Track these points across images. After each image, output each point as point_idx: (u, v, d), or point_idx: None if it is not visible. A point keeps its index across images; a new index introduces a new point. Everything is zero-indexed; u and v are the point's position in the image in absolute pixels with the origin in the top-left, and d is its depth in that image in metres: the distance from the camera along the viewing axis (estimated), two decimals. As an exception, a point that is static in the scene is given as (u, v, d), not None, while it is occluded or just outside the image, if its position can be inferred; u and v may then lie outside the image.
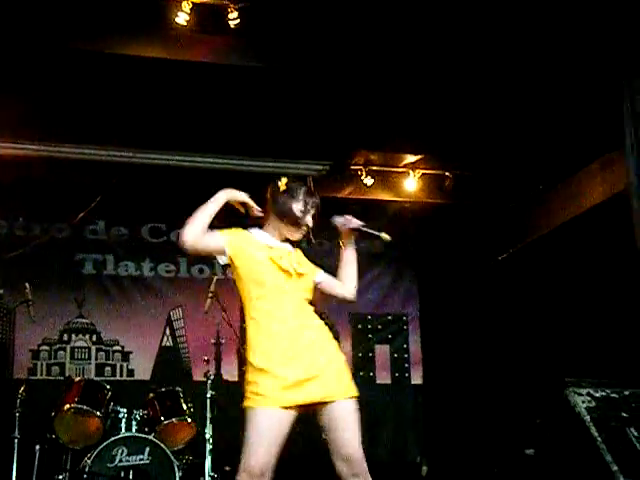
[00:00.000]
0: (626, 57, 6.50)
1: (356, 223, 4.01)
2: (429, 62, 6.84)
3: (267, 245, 3.94)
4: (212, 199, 4.03)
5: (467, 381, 9.38)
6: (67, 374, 8.58)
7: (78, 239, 9.25)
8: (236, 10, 6.29)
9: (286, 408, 3.65)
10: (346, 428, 3.69)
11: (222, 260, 3.95)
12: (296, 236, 3.98)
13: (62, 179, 8.57)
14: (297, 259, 3.95)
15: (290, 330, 3.77)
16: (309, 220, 3.95)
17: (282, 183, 4.09)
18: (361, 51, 6.73)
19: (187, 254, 4.04)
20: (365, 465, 3.69)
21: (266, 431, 3.64)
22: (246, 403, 3.70)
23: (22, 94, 7.06)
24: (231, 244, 3.93)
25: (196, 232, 3.93)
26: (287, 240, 4.00)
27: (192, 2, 6.24)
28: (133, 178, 8.63)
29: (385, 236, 3.96)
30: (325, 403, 3.70)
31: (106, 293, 9.25)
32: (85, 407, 6.78)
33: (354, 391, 3.77)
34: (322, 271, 4.10)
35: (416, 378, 10.03)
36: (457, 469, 8.72)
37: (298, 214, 3.93)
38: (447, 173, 9.10)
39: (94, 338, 9.06)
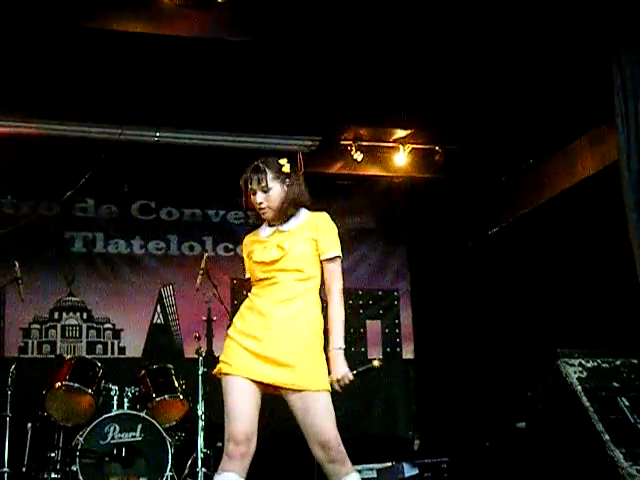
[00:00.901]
0: (615, 30, 6.47)
1: (349, 376, 3.86)
2: (418, 36, 6.79)
3: (257, 239, 4.12)
4: None
5: (458, 355, 9.41)
6: (58, 352, 8.58)
7: (67, 217, 9.22)
8: (223, -17, 6.24)
9: (252, 381, 3.75)
10: (317, 415, 3.71)
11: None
12: (264, 217, 4.09)
13: (50, 156, 8.51)
14: (283, 239, 3.97)
15: (266, 310, 3.89)
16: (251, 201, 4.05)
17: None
18: (350, 25, 6.68)
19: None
20: (342, 449, 3.71)
21: (236, 397, 3.73)
22: (216, 370, 3.87)
23: (8, 71, 7.00)
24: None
25: None
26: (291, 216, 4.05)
27: (179, -25, 6.19)
28: (122, 155, 8.58)
29: (375, 363, 3.99)
30: (295, 391, 3.73)
31: (96, 271, 9.23)
32: (76, 385, 6.80)
33: (325, 385, 3.78)
34: (328, 253, 3.99)
35: (407, 353, 10.05)
36: (449, 443, 8.75)
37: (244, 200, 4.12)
38: (437, 147, 9.07)
39: (85, 316, 9.04)
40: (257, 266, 3.99)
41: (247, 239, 4.20)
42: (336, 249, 3.99)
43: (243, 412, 3.72)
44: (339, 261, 4.00)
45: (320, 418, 3.70)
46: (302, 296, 3.91)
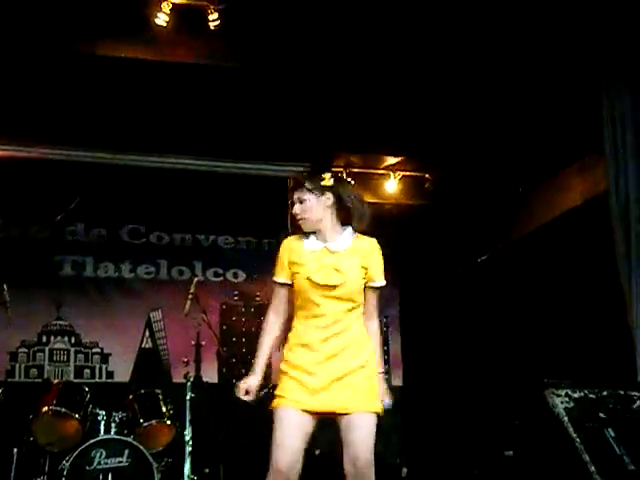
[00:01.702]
0: (605, 62, 6.53)
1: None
2: (409, 65, 6.86)
3: (304, 249, 4.03)
4: None
5: (447, 383, 9.40)
6: (45, 376, 8.55)
7: (57, 240, 9.20)
8: (216, 11, 6.30)
9: (305, 411, 3.81)
10: (358, 431, 3.78)
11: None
12: (303, 228, 4.06)
13: (41, 180, 8.52)
14: (339, 262, 3.92)
15: (319, 340, 3.87)
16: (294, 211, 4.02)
17: None
18: (342, 53, 6.74)
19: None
20: (372, 470, 3.79)
21: (286, 429, 3.80)
22: (271, 405, 3.92)
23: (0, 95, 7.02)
24: (285, 276, 4.08)
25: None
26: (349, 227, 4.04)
27: (172, 3, 6.24)
28: (113, 179, 8.59)
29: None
30: (344, 414, 3.80)
31: (85, 295, 9.20)
32: (63, 410, 6.76)
33: (375, 407, 3.86)
34: (377, 282, 4.01)
35: (396, 379, 10.03)
36: (437, 470, 8.73)
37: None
38: (427, 175, 9.13)
39: (73, 340, 9.01)
40: (316, 288, 3.89)
41: (292, 243, 4.11)
42: (383, 278, 4.01)
43: (290, 444, 3.78)
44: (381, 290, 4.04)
45: (369, 438, 3.79)
46: (355, 321, 3.93)
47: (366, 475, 3.77)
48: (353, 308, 3.92)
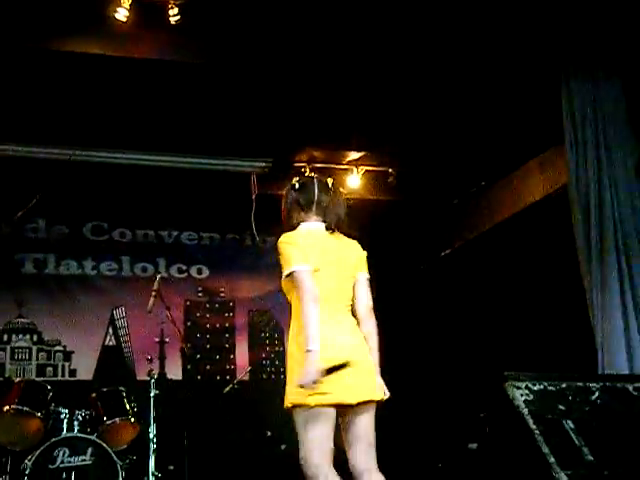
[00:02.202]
0: (564, 55, 6.58)
1: None
2: (371, 60, 6.85)
3: None
4: None
5: (410, 377, 9.43)
6: (7, 375, 8.47)
7: (18, 238, 9.12)
8: (176, 6, 6.25)
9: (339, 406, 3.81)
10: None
11: None
12: None
13: (1, 177, 8.42)
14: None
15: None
16: None
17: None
18: (302, 47, 6.72)
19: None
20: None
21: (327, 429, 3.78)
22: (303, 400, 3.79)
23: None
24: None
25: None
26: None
27: (131, -3, 6.19)
28: (74, 176, 8.52)
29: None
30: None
31: (47, 292, 9.14)
32: (25, 408, 6.70)
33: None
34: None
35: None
36: (401, 464, 8.76)
37: None
38: (390, 170, 9.13)
39: (35, 338, 8.94)
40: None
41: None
42: (287, 267, 3.99)
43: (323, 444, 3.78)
44: (294, 277, 3.98)
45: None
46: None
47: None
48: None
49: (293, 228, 4.15)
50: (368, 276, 4.24)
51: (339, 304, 4.01)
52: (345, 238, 4.18)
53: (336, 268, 4.03)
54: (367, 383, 3.87)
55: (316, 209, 4.14)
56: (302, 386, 3.66)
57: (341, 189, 4.29)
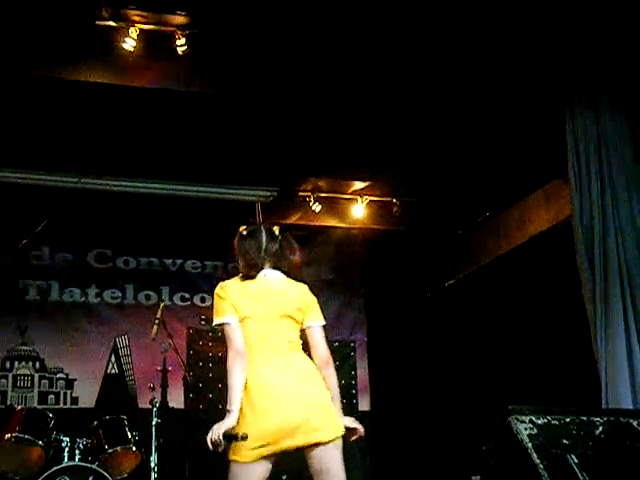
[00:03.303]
0: (568, 87, 6.61)
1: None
2: (376, 92, 6.89)
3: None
4: None
5: (414, 408, 9.40)
6: (9, 402, 8.45)
7: (22, 265, 9.12)
8: (184, 37, 6.29)
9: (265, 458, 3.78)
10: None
11: None
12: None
13: (6, 204, 8.45)
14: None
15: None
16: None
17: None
18: (310, 78, 6.76)
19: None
20: None
21: None
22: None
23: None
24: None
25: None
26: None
27: (139, 28, 6.23)
28: (79, 203, 8.55)
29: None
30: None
31: (50, 320, 9.11)
32: (26, 436, 6.68)
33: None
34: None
35: (363, 405, 10.01)
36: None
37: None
38: (395, 200, 9.15)
39: (37, 366, 8.91)
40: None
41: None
42: (215, 318, 4.12)
43: None
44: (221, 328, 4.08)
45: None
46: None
47: None
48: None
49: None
50: (322, 323, 4.21)
51: (278, 347, 4.00)
52: (294, 283, 4.19)
53: (273, 312, 4.04)
54: (305, 424, 3.82)
55: (266, 255, 4.15)
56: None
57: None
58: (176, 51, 6.35)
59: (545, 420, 3.40)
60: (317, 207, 9.01)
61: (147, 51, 6.40)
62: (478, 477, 7.09)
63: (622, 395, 5.87)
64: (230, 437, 3.75)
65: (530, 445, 3.26)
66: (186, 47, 6.34)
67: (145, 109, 7.03)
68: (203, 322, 9.72)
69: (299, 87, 6.84)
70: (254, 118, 7.25)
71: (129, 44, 6.25)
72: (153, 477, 6.79)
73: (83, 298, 9.32)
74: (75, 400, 8.95)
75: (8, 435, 6.67)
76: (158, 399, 7.32)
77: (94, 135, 7.41)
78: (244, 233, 4.31)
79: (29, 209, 8.48)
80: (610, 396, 5.97)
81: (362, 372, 10.16)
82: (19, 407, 7.17)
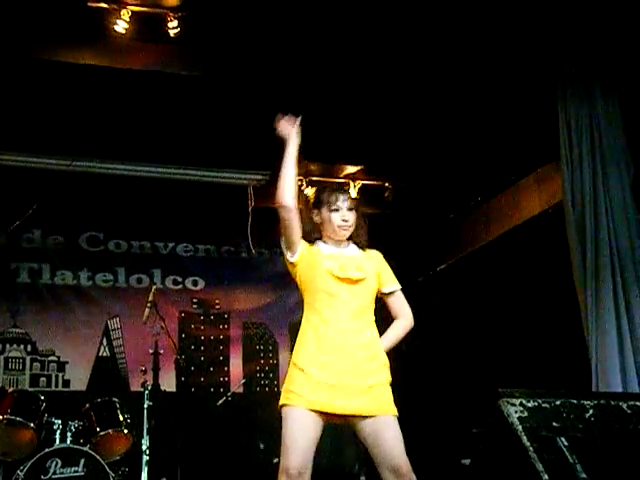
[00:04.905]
0: (560, 71, 6.60)
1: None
2: (369, 76, 6.88)
3: (328, 255, 4.02)
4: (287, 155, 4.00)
5: (404, 392, 9.41)
6: (0, 385, 8.42)
7: (13, 247, 9.09)
8: (176, 19, 6.28)
9: (317, 413, 3.73)
10: (389, 441, 3.76)
11: (290, 257, 4.02)
12: (341, 234, 4.06)
13: (-3, 186, 8.44)
14: (359, 263, 4.00)
15: (339, 336, 3.84)
16: (340, 216, 4.04)
17: (310, 195, 4.28)
18: (303, 61, 6.75)
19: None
20: (413, 475, 3.74)
21: (299, 431, 3.70)
22: (281, 401, 3.80)
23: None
24: (304, 246, 4.03)
25: (290, 191, 4.02)
26: (355, 243, 4.13)
27: (131, 10, 6.21)
28: (71, 186, 8.53)
29: None
30: (364, 417, 3.77)
31: (42, 303, 9.11)
32: (18, 418, 6.68)
33: (394, 410, 3.86)
34: (395, 285, 4.15)
35: (355, 388, 10.02)
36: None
37: (330, 217, 4.05)
38: (387, 184, 9.15)
39: (29, 348, 8.91)
40: (335, 280, 3.92)
41: (306, 247, 4.05)
42: (397, 282, 4.15)
43: (301, 447, 3.69)
44: None
45: (391, 444, 3.75)
46: (371, 323, 3.97)
47: None
48: (369, 307, 3.97)
49: None
50: None
51: None
52: None
53: None
54: None
55: None
56: None
57: None
58: (168, 33, 6.34)
59: (535, 403, 3.41)
60: (309, 191, 8.98)
61: (139, 33, 6.39)
62: (468, 460, 7.11)
63: (612, 378, 5.90)
64: None
65: (520, 428, 3.27)
66: (178, 29, 6.33)
67: (137, 91, 7.02)
68: (195, 305, 9.73)
69: (291, 70, 6.83)
70: (246, 101, 7.23)
71: (121, 26, 6.24)
72: (145, 460, 6.80)
73: (75, 281, 9.31)
74: (67, 383, 8.95)
75: (0, 417, 6.68)
76: (150, 382, 7.33)
77: (86, 118, 7.39)
78: None
79: (21, 191, 8.45)
80: (600, 379, 6.00)
81: (353, 356, 10.17)
82: (10, 389, 7.16)
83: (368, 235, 4.21)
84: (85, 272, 9.37)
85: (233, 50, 6.71)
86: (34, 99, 7.07)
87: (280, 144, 3.89)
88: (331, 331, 3.85)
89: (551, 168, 7.73)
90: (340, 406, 3.75)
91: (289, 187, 3.95)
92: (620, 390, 5.80)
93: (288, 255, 4.01)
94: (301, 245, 4.00)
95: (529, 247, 8.17)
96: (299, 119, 3.98)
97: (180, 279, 9.74)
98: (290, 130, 3.90)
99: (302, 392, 3.75)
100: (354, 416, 3.78)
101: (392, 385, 3.98)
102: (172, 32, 6.33)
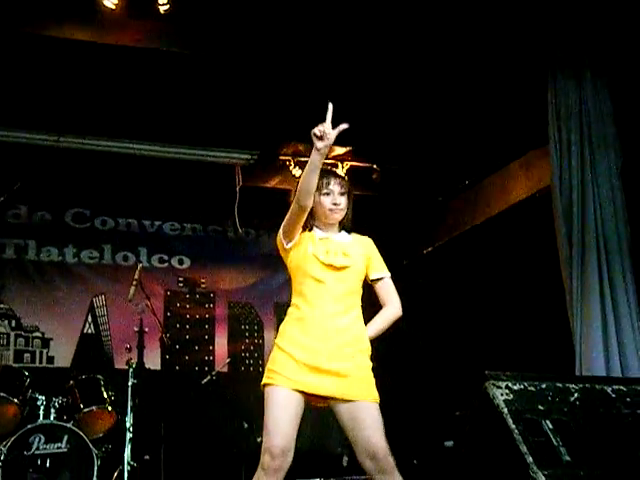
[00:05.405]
0: (550, 56, 6.60)
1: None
2: (357, 57, 6.86)
3: (318, 240, 4.03)
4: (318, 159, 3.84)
5: (388, 374, 9.43)
6: (-16, 360, 8.44)
7: (-1, 223, 9.07)
8: (166, -5, 6.23)
9: (299, 393, 3.76)
10: (367, 426, 3.78)
11: (286, 244, 4.02)
12: (332, 218, 4.06)
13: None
14: (346, 250, 4.02)
15: (321, 320, 3.86)
16: (330, 200, 4.04)
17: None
18: (291, 41, 6.72)
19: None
20: (391, 460, 3.76)
21: (281, 410, 3.74)
22: (263, 381, 3.83)
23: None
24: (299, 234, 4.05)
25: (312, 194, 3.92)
26: (345, 229, 4.14)
27: (121, -15, 6.16)
28: (57, 162, 8.48)
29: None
30: (344, 401, 3.79)
31: (27, 279, 9.07)
32: (2, 394, 6.68)
33: (374, 396, 3.87)
34: (383, 272, 4.17)
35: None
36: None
37: (321, 200, 4.04)
38: (375, 166, 9.13)
39: (13, 324, 8.87)
40: (321, 266, 3.94)
41: (299, 234, 4.05)
42: (387, 269, 4.16)
43: (283, 426, 3.72)
44: None
45: (369, 428, 3.77)
46: (355, 308, 3.99)
47: (390, 465, 3.75)
48: (356, 292, 3.99)
49: None
50: None
51: None
52: None
53: None
54: None
55: None
56: None
57: None
58: (158, 10, 6.28)
59: (521, 386, 3.44)
60: (297, 171, 8.96)
61: (129, 9, 6.32)
62: (451, 442, 7.15)
63: (596, 362, 5.94)
64: None
65: (506, 410, 3.29)
66: (168, 6, 6.27)
67: (125, 68, 6.97)
68: (181, 284, 9.72)
69: (281, 49, 6.80)
70: (235, 80, 7.20)
71: (111, 1, 6.18)
72: (128, 437, 6.82)
73: (60, 257, 9.27)
74: (51, 359, 8.93)
75: (-17, 392, 6.67)
76: (134, 360, 7.34)
77: (74, 93, 7.33)
78: None
79: (6, 167, 8.39)
80: (584, 363, 6.04)
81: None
82: (-6, 365, 7.17)
83: (354, 217, 4.21)
84: (71, 249, 9.33)
85: (223, 28, 6.67)
86: (21, 74, 7.01)
87: (310, 141, 3.83)
88: (315, 314, 3.88)
89: (539, 153, 7.74)
90: (320, 387, 3.78)
91: (313, 190, 3.88)
92: (603, 374, 5.84)
93: (285, 242, 4.01)
94: (298, 234, 4.02)
95: (516, 231, 8.19)
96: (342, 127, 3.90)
97: (166, 257, 9.72)
98: (332, 139, 3.82)
99: (284, 372, 3.78)
100: (334, 399, 3.81)
101: (377, 368, 3.99)
102: (162, 9, 6.27)
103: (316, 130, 3.76)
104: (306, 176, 3.82)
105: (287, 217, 3.96)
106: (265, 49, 6.79)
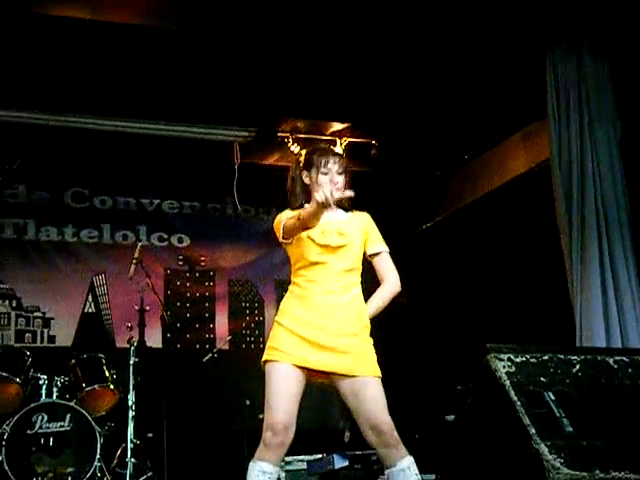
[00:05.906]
0: (548, 28, 6.57)
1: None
2: (355, 32, 6.82)
3: None
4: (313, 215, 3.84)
5: (389, 348, 9.45)
6: (-14, 340, 8.46)
7: (-3, 203, 9.05)
8: (161, -29, 6.20)
9: (300, 369, 3.79)
10: (369, 400, 3.81)
11: (285, 241, 4.04)
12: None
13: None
14: (342, 228, 4.02)
15: (322, 297, 3.89)
16: (328, 180, 4.04)
17: (301, 155, 4.26)
18: (289, 18, 6.68)
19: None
20: (395, 434, 3.80)
21: (281, 386, 3.77)
22: (264, 358, 3.86)
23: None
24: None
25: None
26: (342, 207, 4.11)
27: (115, -39, 6.12)
28: (56, 141, 8.45)
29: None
30: (347, 377, 3.81)
31: (27, 258, 9.05)
32: (4, 374, 6.72)
33: (375, 371, 3.89)
34: (380, 246, 4.15)
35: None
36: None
37: (319, 179, 4.05)
38: (373, 141, 9.11)
39: (14, 304, 8.87)
40: (317, 248, 3.95)
41: (291, 213, 4.04)
42: (385, 244, 4.15)
43: (285, 402, 3.76)
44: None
45: (372, 403, 3.80)
46: (355, 285, 4.01)
47: (394, 439, 3.78)
48: (355, 269, 4.01)
49: None
50: None
51: None
52: None
53: None
54: None
55: None
56: None
57: None
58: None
59: (523, 358, 3.44)
60: (296, 148, 8.94)
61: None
62: (452, 417, 7.16)
63: (596, 335, 5.96)
64: None
65: (508, 383, 3.30)
66: (164, -18, 6.25)
67: (122, 46, 6.93)
68: (181, 262, 9.72)
69: (278, 26, 6.76)
70: (233, 57, 7.17)
71: (105, -22, 6.15)
72: (131, 415, 6.86)
73: (59, 237, 9.26)
74: (52, 339, 8.94)
75: (-15, 372, 6.69)
76: (136, 338, 7.38)
77: (70, 72, 7.30)
78: None
79: (5, 146, 8.36)
80: (584, 337, 6.06)
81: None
82: (-4, 345, 7.19)
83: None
84: (70, 228, 9.31)
85: (221, 5, 6.63)
86: (16, 52, 6.96)
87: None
88: (315, 292, 3.91)
89: (538, 126, 7.71)
90: (321, 363, 3.81)
91: (295, 232, 3.92)
92: (603, 345, 5.85)
93: (284, 240, 4.03)
94: (283, 219, 4.04)
95: (515, 205, 8.18)
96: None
97: (166, 236, 9.71)
98: (329, 206, 3.78)
99: (284, 348, 3.81)
100: (335, 374, 3.83)
101: (379, 343, 4.01)
102: (157, -15, 6.25)
103: (319, 199, 3.68)
104: (309, 217, 3.83)
105: (289, 225, 3.95)
106: (263, 25, 6.75)
